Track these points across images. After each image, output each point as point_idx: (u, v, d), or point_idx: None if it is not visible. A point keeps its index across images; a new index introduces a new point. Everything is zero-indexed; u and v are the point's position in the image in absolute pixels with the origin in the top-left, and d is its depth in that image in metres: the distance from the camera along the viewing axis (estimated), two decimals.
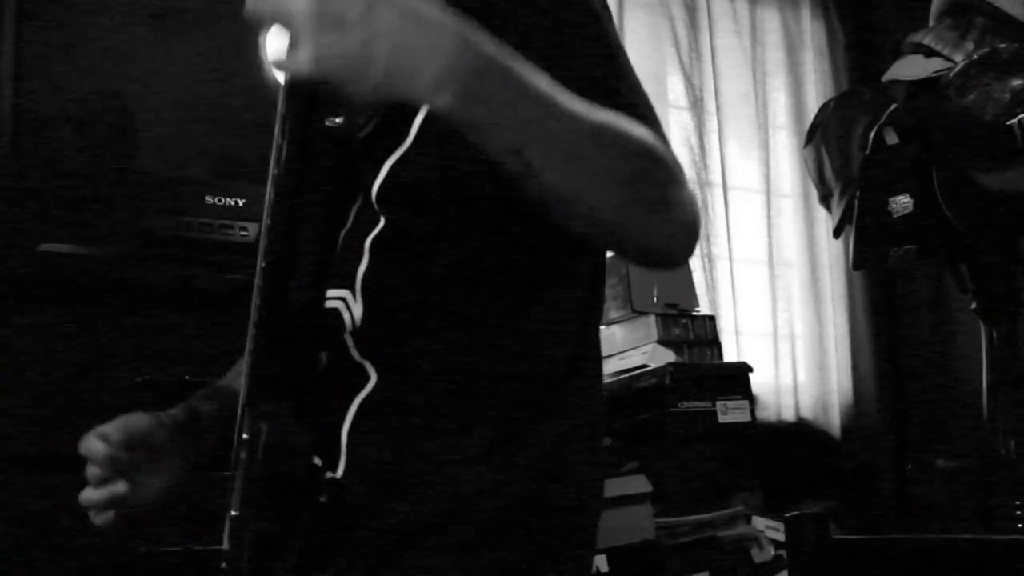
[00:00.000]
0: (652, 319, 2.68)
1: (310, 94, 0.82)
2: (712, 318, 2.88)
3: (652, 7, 3.46)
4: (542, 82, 0.74)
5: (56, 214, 1.79)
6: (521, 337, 0.95)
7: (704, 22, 3.55)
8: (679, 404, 2.49)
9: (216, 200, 1.92)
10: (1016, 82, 2.30)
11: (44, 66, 1.91)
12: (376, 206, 0.94)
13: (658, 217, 0.84)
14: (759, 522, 2.54)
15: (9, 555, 1.66)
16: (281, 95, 0.83)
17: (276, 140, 0.84)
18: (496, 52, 0.72)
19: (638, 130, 0.82)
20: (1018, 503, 2.46)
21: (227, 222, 1.91)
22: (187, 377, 1.80)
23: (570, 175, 0.77)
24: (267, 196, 0.87)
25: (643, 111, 0.88)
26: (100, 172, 1.92)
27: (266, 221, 0.87)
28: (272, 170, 0.85)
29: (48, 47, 1.92)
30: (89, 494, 1.05)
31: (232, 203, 1.93)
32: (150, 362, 1.83)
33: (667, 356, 2.61)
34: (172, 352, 1.85)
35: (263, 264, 0.88)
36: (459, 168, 0.92)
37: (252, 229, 1.92)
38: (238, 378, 1.14)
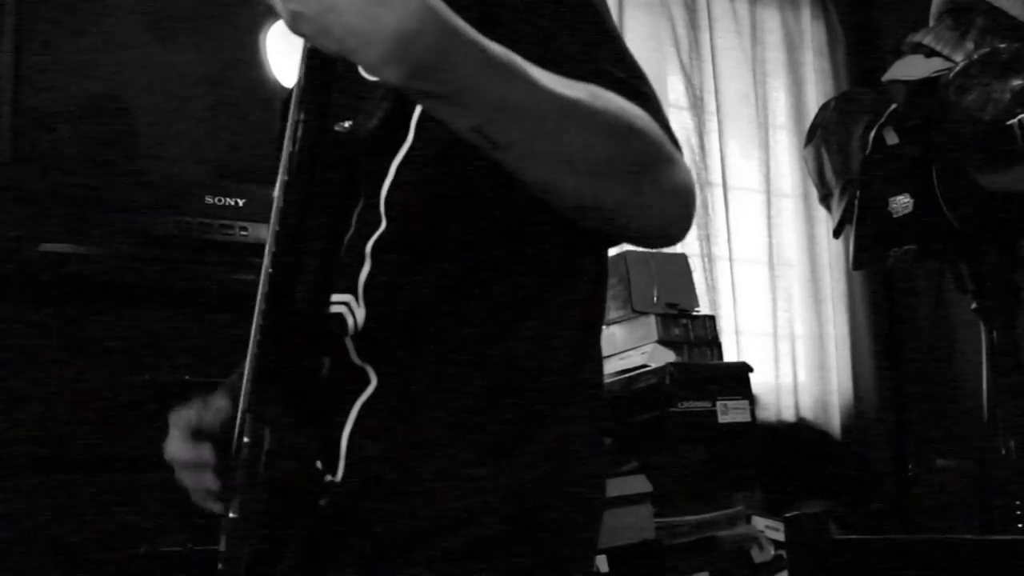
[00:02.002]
0: (652, 319, 2.68)
1: (323, 100, 0.81)
2: (712, 318, 2.88)
3: (652, 7, 3.46)
4: (510, 58, 0.73)
5: (56, 214, 1.79)
6: (523, 341, 0.95)
7: (704, 22, 3.55)
8: (679, 404, 2.49)
9: (216, 200, 1.92)
10: (1016, 82, 2.30)
11: (44, 66, 1.91)
12: (382, 208, 0.94)
13: (643, 189, 0.82)
14: (759, 522, 2.54)
15: (10, 555, 1.66)
16: (294, 100, 0.82)
17: (287, 146, 0.83)
18: (459, 26, 0.70)
19: (622, 105, 0.80)
20: (1018, 503, 2.45)
21: (227, 222, 1.91)
22: (187, 377, 1.80)
23: (539, 150, 0.76)
24: (276, 202, 0.86)
25: (633, 84, 0.86)
26: (100, 172, 1.92)
27: (274, 227, 0.87)
28: (281, 176, 0.85)
29: (48, 47, 1.92)
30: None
31: (232, 203, 1.93)
32: (150, 362, 1.83)
33: (667, 356, 2.61)
34: (172, 352, 1.85)
35: (270, 270, 0.87)
36: (460, 165, 0.91)
37: (252, 229, 1.92)
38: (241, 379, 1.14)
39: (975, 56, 2.41)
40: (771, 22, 3.77)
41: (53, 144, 1.93)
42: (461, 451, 0.91)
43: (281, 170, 0.85)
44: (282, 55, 2.41)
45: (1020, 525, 2.45)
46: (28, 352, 1.77)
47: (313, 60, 0.80)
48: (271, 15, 2.43)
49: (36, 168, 1.85)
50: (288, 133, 0.83)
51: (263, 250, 0.91)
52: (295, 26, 0.71)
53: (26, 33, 1.89)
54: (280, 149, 1.14)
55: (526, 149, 0.76)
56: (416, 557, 0.89)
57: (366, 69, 0.71)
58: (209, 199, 1.92)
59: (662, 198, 0.84)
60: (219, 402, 1.04)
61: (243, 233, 1.91)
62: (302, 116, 0.81)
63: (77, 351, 1.79)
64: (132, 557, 1.70)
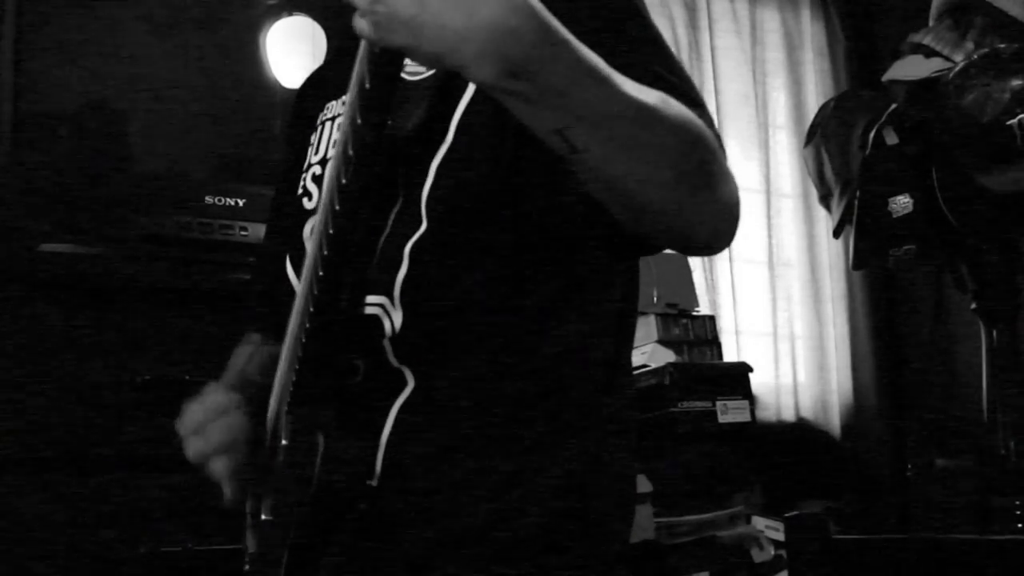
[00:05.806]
0: (652, 319, 2.68)
1: (386, 106, 0.79)
2: (712, 318, 2.87)
3: (652, 7, 3.44)
4: (597, 61, 0.71)
5: (56, 214, 1.79)
6: (560, 343, 0.95)
7: (704, 22, 3.54)
8: (679, 404, 2.49)
9: (216, 200, 1.92)
10: (1016, 82, 2.30)
11: (44, 66, 1.91)
12: (423, 209, 0.92)
13: (703, 197, 0.82)
14: (759, 522, 2.54)
15: (9, 555, 1.66)
16: (352, 103, 0.78)
17: (343, 148, 0.81)
18: (554, 25, 0.68)
19: (683, 110, 0.80)
20: (1018, 503, 2.45)
21: (227, 222, 1.92)
22: (187, 377, 1.80)
23: (616, 155, 0.75)
24: (325, 206, 0.84)
25: (687, 91, 0.86)
26: (100, 172, 1.92)
27: (326, 229, 0.84)
28: (335, 179, 0.82)
29: (48, 47, 1.92)
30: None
31: (232, 203, 1.93)
32: (150, 362, 1.83)
33: (667, 356, 2.61)
34: (172, 352, 1.86)
35: (320, 272, 0.86)
36: (501, 167, 0.91)
37: (252, 229, 1.92)
38: (246, 373, 1.13)
39: (975, 56, 2.41)
40: (771, 22, 3.77)
41: (53, 144, 1.93)
42: (497, 452, 0.91)
43: (334, 172, 0.82)
44: (282, 55, 2.41)
45: (1020, 525, 2.45)
46: (28, 351, 1.77)
47: (381, 65, 0.74)
48: (271, 15, 2.43)
49: (36, 168, 1.85)
50: (344, 133, 0.80)
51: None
52: (383, 34, 0.67)
53: (26, 34, 1.89)
54: (289, 141, 1.13)
55: (603, 153, 0.74)
56: (453, 559, 0.89)
57: (456, 67, 0.67)
58: (209, 199, 1.92)
59: (717, 208, 0.84)
60: (217, 397, 1.01)
61: (243, 233, 1.92)
62: (360, 121, 0.77)
63: (76, 350, 1.79)
64: (132, 557, 1.70)
